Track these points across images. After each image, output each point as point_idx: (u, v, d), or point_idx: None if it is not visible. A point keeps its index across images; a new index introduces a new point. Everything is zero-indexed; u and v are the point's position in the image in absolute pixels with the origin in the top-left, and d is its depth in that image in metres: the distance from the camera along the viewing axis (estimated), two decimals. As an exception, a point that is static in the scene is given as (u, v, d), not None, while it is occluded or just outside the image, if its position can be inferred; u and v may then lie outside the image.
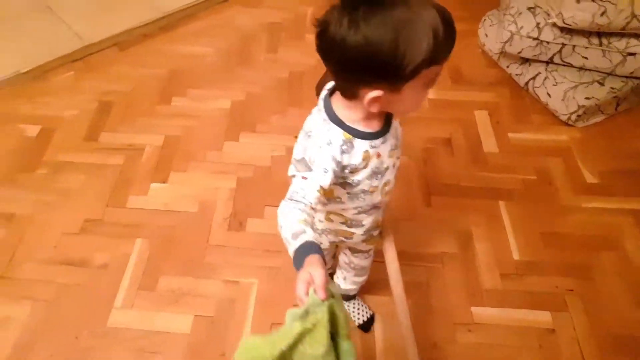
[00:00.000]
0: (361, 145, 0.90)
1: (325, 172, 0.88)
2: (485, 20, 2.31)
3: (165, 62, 2.30)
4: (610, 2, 1.73)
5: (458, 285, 1.59)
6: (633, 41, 1.85)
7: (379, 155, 0.93)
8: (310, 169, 0.89)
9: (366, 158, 0.92)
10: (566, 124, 2.03)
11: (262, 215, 1.75)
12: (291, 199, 0.87)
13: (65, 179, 1.85)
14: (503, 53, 2.17)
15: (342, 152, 0.89)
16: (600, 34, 1.87)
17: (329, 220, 1.10)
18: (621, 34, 1.85)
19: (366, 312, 1.53)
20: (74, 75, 2.25)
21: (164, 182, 1.85)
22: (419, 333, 1.44)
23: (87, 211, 1.76)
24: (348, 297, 1.52)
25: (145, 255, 1.65)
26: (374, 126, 0.91)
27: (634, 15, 1.74)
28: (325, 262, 0.79)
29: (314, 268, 0.76)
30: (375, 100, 0.83)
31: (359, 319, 1.52)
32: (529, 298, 1.56)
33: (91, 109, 2.09)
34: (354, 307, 1.53)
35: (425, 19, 0.76)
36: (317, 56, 0.83)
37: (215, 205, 1.78)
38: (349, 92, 0.86)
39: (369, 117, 0.89)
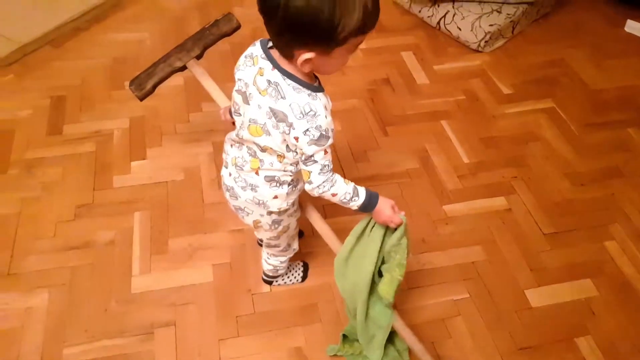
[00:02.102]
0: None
1: (333, 131, 1.04)
2: (392, -28, 2.60)
3: (106, 52, 2.34)
4: (499, -61, 2.08)
5: (427, 192, 1.87)
6: (519, -29, 2.23)
7: None
8: (329, 138, 1.02)
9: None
10: (477, 50, 2.39)
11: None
12: (328, 171, 1.07)
13: (42, 173, 1.88)
14: (414, 0, 2.47)
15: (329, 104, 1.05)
16: (494, -32, 2.23)
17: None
18: (509, -34, 2.22)
19: (298, 268, 1.64)
20: (14, 77, 2.22)
21: (143, 159, 1.94)
22: (409, 237, 1.72)
23: (76, 198, 1.81)
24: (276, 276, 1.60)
25: (147, 225, 1.75)
26: (316, 80, 1.06)
27: (518, -51, 2.11)
28: None
29: (384, 203, 1.15)
30: (307, 61, 0.94)
31: (296, 277, 1.63)
32: (485, 190, 1.89)
33: (45, 106, 2.10)
34: (287, 278, 1.62)
35: None
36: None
37: (200, 169, 1.91)
38: (287, 52, 0.96)
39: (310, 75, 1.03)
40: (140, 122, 2.06)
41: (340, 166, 1.93)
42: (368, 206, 1.14)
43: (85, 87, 2.19)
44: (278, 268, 1.53)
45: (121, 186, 1.85)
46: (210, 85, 1.61)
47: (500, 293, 1.61)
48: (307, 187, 1.10)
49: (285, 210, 1.24)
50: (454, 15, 2.37)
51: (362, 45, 2.38)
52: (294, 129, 1.00)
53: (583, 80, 2.31)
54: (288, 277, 1.62)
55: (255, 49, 1.06)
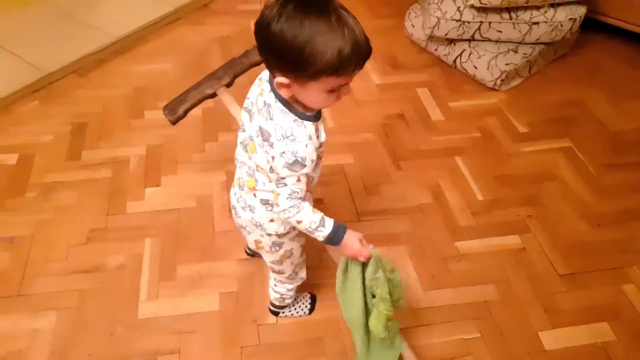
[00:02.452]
0: (319, 125, 1.07)
1: (313, 162, 1.05)
2: (410, 13, 2.65)
3: (128, 82, 2.40)
4: (515, -19, 2.12)
5: (440, 227, 1.85)
6: (535, 12, 2.25)
7: (323, 129, 1.12)
8: (304, 167, 1.03)
9: (324, 130, 1.10)
10: (493, 89, 2.40)
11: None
12: (296, 198, 1.07)
13: (58, 197, 1.91)
14: (431, 38, 2.51)
15: (317, 137, 1.06)
16: (509, 9, 2.26)
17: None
18: (525, 7, 2.24)
19: (306, 299, 1.61)
20: (39, 104, 2.29)
21: (157, 186, 1.96)
22: (419, 271, 1.70)
23: (89, 222, 1.83)
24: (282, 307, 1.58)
25: (157, 251, 1.76)
26: (313, 111, 1.06)
27: (534, -10, 2.14)
28: None
29: (350, 237, 1.13)
30: (282, 85, 0.97)
31: (304, 309, 1.60)
32: (499, 227, 1.86)
33: (65, 132, 2.16)
34: (294, 310, 1.60)
35: (338, 37, 0.88)
36: None
37: (212, 198, 1.92)
38: (272, 73, 1.00)
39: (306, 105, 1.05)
40: (157, 150, 2.09)
41: (352, 199, 1.92)
42: (334, 239, 1.12)
43: (105, 115, 2.25)
44: (285, 297, 1.51)
45: (134, 212, 1.87)
46: (238, 112, 1.66)
47: (512, 334, 1.56)
48: (275, 209, 1.12)
49: (285, 234, 1.24)
50: (470, 54, 2.39)
51: (377, 81, 2.45)
52: (273, 148, 1.04)
53: (601, 121, 2.29)
54: (295, 309, 1.59)
55: (266, 72, 1.09)
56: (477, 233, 1.83)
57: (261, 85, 1.10)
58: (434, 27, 2.35)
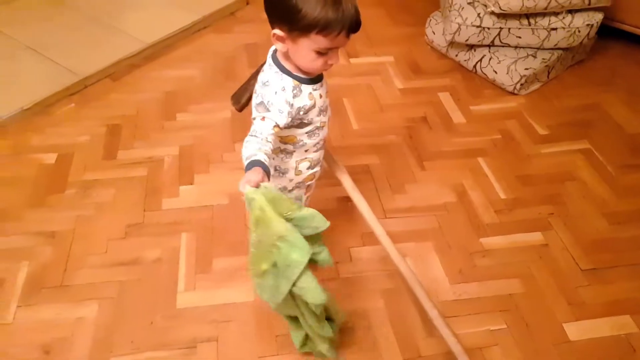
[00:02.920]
0: (306, 89, 1.21)
1: (281, 112, 1.16)
2: (430, 20, 2.73)
3: (159, 86, 2.50)
4: (535, -13, 2.19)
5: (464, 225, 1.91)
6: (553, 18, 2.32)
7: (321, 96, 1.25)
8: (268, 111, 1.16)
9: (312, 98, 1.22)
10: (512, 93, 2.47)
11: (286, 197, 2.00)
12: (252, 135, 1.14)
13: (96, 194, 1.99)
14: (452, 44, 2.58)
15: (294, 95, 1.18)
16: (528, 15, 2.33)
17: (298, 173, 1.38)
18: (544, 13, 2.32)
19: None
20: (75, 106, 2.38)
21: (190, 184, 2.04)
22: (446, 266, 1.76)
23: (127, 218, 1.91)
24: None
25: (193, 245, 1.83)
26: (309, 74, 1.20)
27: (553, -3, 2.22)
28: (268, 175, 1.09)
29: (250, 172, 1.06)
30: (278, 38, 1.11)
31: None
32: (522, 225, 1.91)
33: (101, 133, 2.25)
34: None
35: (329, 1, 1.03)
36: None
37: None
38: (272, 27, 1.13)
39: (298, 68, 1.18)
40: (189, 150, 2.18)
41: (378, 197, 1.99)
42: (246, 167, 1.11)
43: (139, 117, 2.34)
44: None
45: (170, 208, 1.95)
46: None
47: (538, 325, 1.62)
48: None
49: (284, 189, 1.40)
50: (490, 59, 2.46)
51: (400, 85, 2.52)
52: (255, 94, 1.23)
53: (619, 124, 2.35)
54: None
55: None
56: (501, 230, 1.89)
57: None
58: (455, 33, 2.43)
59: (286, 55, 1.17)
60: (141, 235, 1.86)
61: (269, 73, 1.20)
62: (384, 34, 2.88)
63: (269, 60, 1.22)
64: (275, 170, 1.37)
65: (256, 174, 1.06)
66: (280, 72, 1.18)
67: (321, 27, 1.04)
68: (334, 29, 1.05)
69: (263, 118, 1.16)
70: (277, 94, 1.17)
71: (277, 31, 1.10)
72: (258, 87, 1.22)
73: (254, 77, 1.86)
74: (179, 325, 1.60)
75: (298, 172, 1.39)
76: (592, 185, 2.07)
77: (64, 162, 2.12)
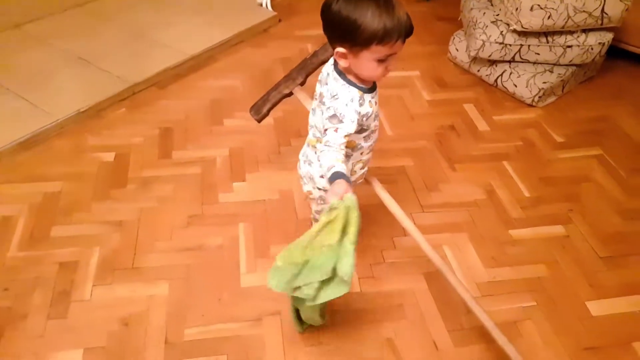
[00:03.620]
0: (367, 97, 1.33)
1: (352, 122, 1.28)
2: (454, 38, 2.98)
3: (204, 94, 2.70)
4: (553, 8, 2.43)
5: (494, 219, 2.11)
6: (569, 37, 2.57)
7: (376, 103, 1.40)
8: (341, 122, 1.27)
9: (371, 106, 1.36)
10: (531, 105, 2.70)
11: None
12: (327, 146, 1.27)
13: (156, 188, 2.17)
14: (474, 60, 2.82)
15: (360, 105, 1.30)
16: (547, 33, 2.57)
17: (353, 174, 1.55)
18: (561, 32, 2.56)
19: None
20: (126, 111, 2.58)
21: (243, 181, 2.23)
22: (480, 254, 1.96)
23: (187, 210, 2.09)
24: None
25: (251, 233, 2.01)
26: (368, 84, 1.33)
27: (569, 17, 2.46)
28: (350, 184, 1.21)
29: (337, 184, 1.20)
30: (341, 55, 1.22)
31: None
32: (545, 219, 2.12)
33: (154, 135, 2.44)
34: None
35: (383, 13, 1.14)
36: None
37: (292, 192, 2.18)
38: (333, 46, 1.24)
39: (362, 78, 1.30)
40: (238, 151, 2.37)
41: (415, 194, 2.19)
42: (330, 178, 1.25)
43: (188, 122, 2.53)
44: None
45: (226, 202, 2.13)
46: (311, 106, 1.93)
47: (563, 303, 1.81)
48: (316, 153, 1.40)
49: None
50: (510, 74, 2.69)
51: (427, 97, 2.75)
52: (324, 106, 1.32)
53: (627, 133, 2.59)
54: None
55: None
56: (527, 223, 2.10)
57: (330, 61, 1.38)
58: (479, 49, 2.66)
59: (347, 69, 1.29)
60: (202, 225, 2.04)
61: (336, 86, 1.31)
62: (410, 51, 3.12)
63: (333, 74, 1.32)
64: None
65: (342, 186, 1.19)
66: (347, 85, 1.30)
67: (380, 38, 1.16)
68: (392, 37, 1.17)
69: (336, 129, 1.28)
70: (347, 106, 1.28)
71: (340, 49, 1.22)
72: (329, 102, 1.30)
73: (273, 89, 2.07)
74: (244, 301, 1.78)
75: (353, 173, 1.56)
76: (606, 186, 2.29)
77: (122, 160, 2.30)
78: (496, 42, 2.61)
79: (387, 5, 1.16)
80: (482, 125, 2.59)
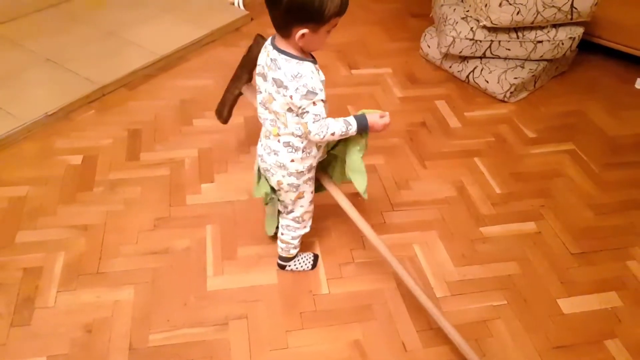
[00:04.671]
0: (317, 67, 1.38)
1: (322, 90, 1.35)
2: (425, 35, 2.97)
3: (174, 95, 2.66)
4: (522, 4, 2.43)
5: (465, 216, 2.10)
6: (539, 32, 2.57)
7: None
8: (316, 94, 1.33)
9: (321, 72, 1.41)
10: (502, 101, 2.70)
11: (302, 193, 2.16)
12: (321, 118, 1.37)
13: (123, 191, 2.13)
14: (446, 56, 2.81)
15: (319, 73, 1.38)
16: (517, 29, 2.57)
17: (319, 148, 1.55)
18: (531, 27, 2.56)
19: (309, 257, 1.89)
20: (95, 113, 2.53)
21: (211, 182, 2.19)
22: (450, 252, 1.94)
23: (154, 212, 2.05)
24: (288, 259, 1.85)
25: (218, 235, 1.98)
26: (311, 57, 1.39)
27: (538, 12, 2.46)
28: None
29: (373, 114, 1.47)
30: (302, 35, 1.28)
31: (307, 264, 1.88)
32: (516, 215, 2.11)
33: (123, 137, 2.40)
34: (298, 264, 1.87)
35: None
36: None
37: (262, 192, 2.16)
38: (287, 32, 1.30)
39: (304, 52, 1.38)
40: (207, 152, 2.34)
41: (386, 193, 2.17)
42: (363, 127, 1.46)
43: (158, 122, 2.49)
44: (289, 247, 1.79)
45: (193, 203, 2.10)
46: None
47: (534, 301, 1.80)
48: (310, 137, 1.41)
49: (301, 173, 1.56)
50: (481, 70, 2.69)
51: (399, 94, 2.74)
52: (288, 89, 1.34)
53: (600, 128, 2.59)
54: (299, 263, 1.87)
55: (267, 41, 1.42)
56: (498, 220, 2.09)
57: (266, 50, 1.40)
58: (449, 45, 2.65)
59: (297, 48, 1.34)
60: (169, 227, 2.00)
61: (292, 66, 1.34)
62: (382, 48, 3.10)
63: (282, 57, 1.35)
64: (303, 151, 1.52)
65: (374, 115, 1.48)
66: (301, 61, 1.35)
67: (339, 12, 1.28)
68: (344, 9, 1.30)
69: (314, 102, 1.34)
70: (312, 78, 1.33)
71: (303, 30, 1.28)
72: (294, 83, 1.33)
73: (226, 91, 2.05)
74: (211, 305, 1.75)
75: (319, 147, 1.57)
76: (578, 181, 2.29)
77: (89, 163, 2.26)
78: (466, 39, 2.60)
79: None
80: (453, 122, 2.58)
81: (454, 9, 2.70)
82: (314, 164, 1.59)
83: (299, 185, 1.59)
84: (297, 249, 1.83)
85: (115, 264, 1.86)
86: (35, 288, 1.77)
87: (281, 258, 1.85)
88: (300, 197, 1.64)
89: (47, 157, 2.28)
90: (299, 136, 1.46)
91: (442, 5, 2.78)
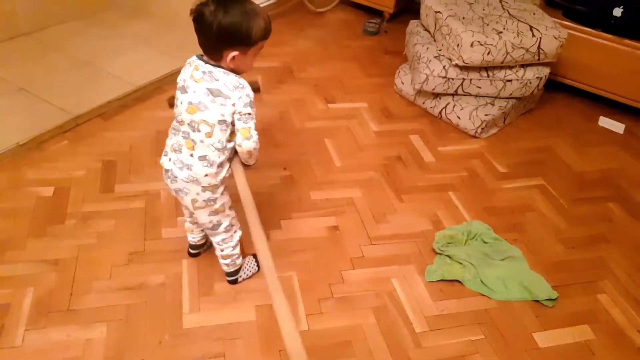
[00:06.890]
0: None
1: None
2: (399, 71, 3.04)
3: (150, 125, 2.64)
4: (492, 45, 2.53)
5: (441, 250, 2.13)
6: (509, 71, 2.67)
7: None
8: (253, 107, 1.47)
9: None
10: (474, 136, 2.77)
11: (279, 227, 2.16)
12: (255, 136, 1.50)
13: (96, 224, 2.09)
14: (419, 92, 2.89)
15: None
16: (487, 68, 2.66)
17: (229, 160, 1.60)
18: (500, 67, 2.66)
19: (251, 260, 1.94)
20: (68, 143, 2.48)
21: (188, 215, 2.17)
22: (428, 286, 1.96)
23: (129, 246, 2.01)
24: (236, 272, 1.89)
25: (194, 270, 1.95)
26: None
27: (507, 53, 2.56)
28: None
29: None
30: (233, 58, 1.40)
31: (254, 268, 1.93)
32: (491, 249, 2.15)
33: (97, 168, 2.35)
34: (247, 271, 1.92)
35: (260, 17, 1.39)
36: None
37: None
38: (218, 55, 1.42)
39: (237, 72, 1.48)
40: (184, 184, 2.31)
41: (363, 225, 2.19)
42: None
43: (133, 153, 2.46)
44: (234, 258, 1.82)
45: (169, 237, 2.07)
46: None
47: (511, 335, 1.83)
48: (247, 144, 1.49)
49: (216, 187, 1.60)
50: (453, 106, 2.76)
51: (375, 128, 2.79)
52: (230, 98, 1.43)
53: (567, 164, 2.69)
54: (247, 269, 1.91)
55: (192, 58, 1.52)
56: (473, 254, 2.12)
57: (192, 65, 1.49)
58: (423, 82, 2.73)
59: (228, 69, 1.44)
60: (144, 262, 1.96)
61: (232, 79, 1.44)
62: (357, 84, 3.17)
63: (218, 70, 1.43)
64: (219, 166, 1.56)
65: None
66: (238, 76, 1.46)
67: (265, 36, 1.43)
68: (268, 33, 1.44)
69: (253, 114, 1.50)
70: (250, 93, 1.47)
71: (234, 53, 1.39)
72: (237, 93, 1.43)
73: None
74: (187, 343, 1.71)
75: (229, 160, 1.62)
76: (548, 215, 2.35)
77: (61, 194, 2.21)
78: (439, 76, 2.68)
79: (255, 8, 1.41)
80: (427, 156, 2.63)
81: (427, 48, 2.78)
82: (227, 175, 1.61)
83: (215, 199, 1.63)
84: (241, 257, 1.86)
85: (87, 301, 1.81)
86: (1, 327, 1.70)
87: (230, 274, 1.87)
88: (220, 210, 1.67)
89: (17, 188, 2.22)
90: (218, 149, 1.51)
91: (415, 44, 2.87)
